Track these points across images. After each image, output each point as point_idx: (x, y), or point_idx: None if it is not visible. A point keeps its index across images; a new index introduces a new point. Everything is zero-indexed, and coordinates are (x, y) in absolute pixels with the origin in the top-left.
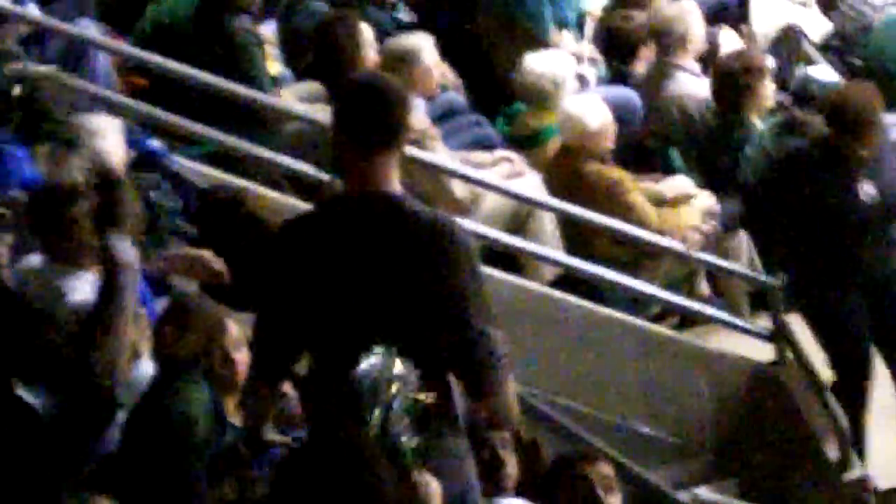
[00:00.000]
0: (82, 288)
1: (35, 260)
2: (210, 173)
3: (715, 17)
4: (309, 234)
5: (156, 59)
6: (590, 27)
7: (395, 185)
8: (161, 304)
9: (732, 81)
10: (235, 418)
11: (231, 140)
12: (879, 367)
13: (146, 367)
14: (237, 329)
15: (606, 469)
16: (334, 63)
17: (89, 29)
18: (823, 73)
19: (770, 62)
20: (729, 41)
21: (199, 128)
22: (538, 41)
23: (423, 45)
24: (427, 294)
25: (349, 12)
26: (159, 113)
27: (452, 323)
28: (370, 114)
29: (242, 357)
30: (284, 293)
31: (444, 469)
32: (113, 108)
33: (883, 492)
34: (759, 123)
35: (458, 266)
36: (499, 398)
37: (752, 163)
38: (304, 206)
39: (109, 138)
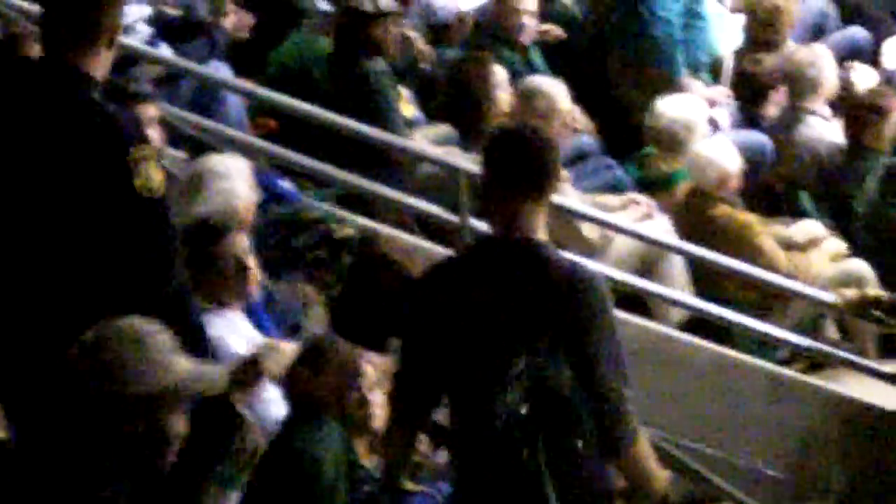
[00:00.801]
0: (221, 324)
1: None
2: (341, 215)
3: (847, 59)
4: (450, 279)
5: (288, 101)
6: (726, 70)
7: (541, 233)
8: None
9: (859, 116)
10: (367, 461)
11: (362, 182)
12: None
13: (279, 409)
14: (372, 371)
15: None
16: (467, 105)
17: (220, 70)
18: None
19: None
20: (865, 79)
21: (330, 169)
22: (670, 85)
23: (555, 88)
24: (554, 342)
25: (482, 54)
26: (291, 154)
27: (582, 376)
28: (519, 161)
29: (378, 399)
30: (424, 338)
31: None
32: (244, 150)
33: None
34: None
35: (594, 319)
36: (630, 460)
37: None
38: (434, 248)
39: (237, 180)
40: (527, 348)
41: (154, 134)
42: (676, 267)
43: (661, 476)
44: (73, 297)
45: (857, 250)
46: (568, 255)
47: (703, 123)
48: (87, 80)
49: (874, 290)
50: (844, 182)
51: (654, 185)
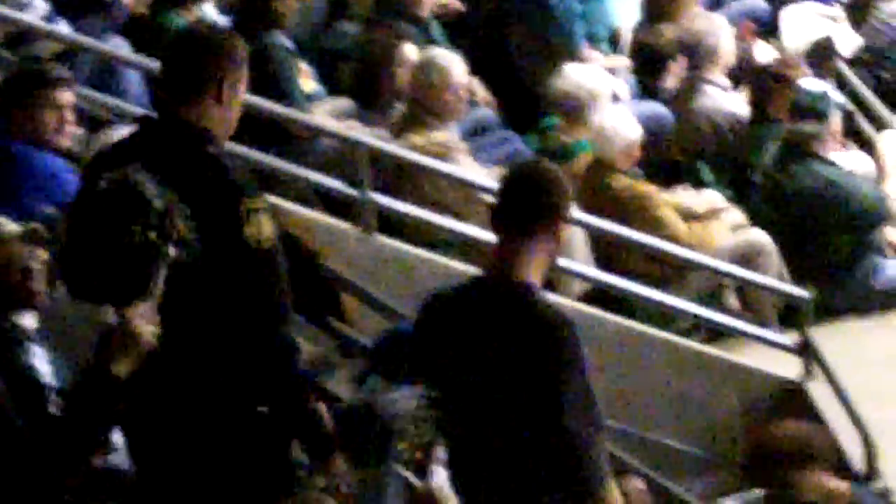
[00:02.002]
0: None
1: None
2: None
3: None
4: (439, 313)
5: None
6: (625, 41)
7: (531, 273)
8: None
9: (765, 86)
10: None
11: (262, 157)
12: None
13: None
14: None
15: (638, 484)
16: (369, 79)
17: (119, 46)
18: (813, 84)
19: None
20: (765, 51)
21: (231, 145)
22: (569, 56)
23: (450, 60)
24: (523, 386)
25: (388, 31)
26: None
27: (544, 419)
28: (519, 200)
29: None
30: (417, 367)
31: None
32: None
33: None
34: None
35: (563, 363)
36: None
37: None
38: (334, 222)
39: None
40: (502, 388)
41: (71, 120)
42: (577, 239)
43: None
44: (182, 346)
45: (756, 220)
46: (550, 299)
47: (605, 92)
48: (200, 134)
49: None
50: (744, 152)
51: (554, 156)
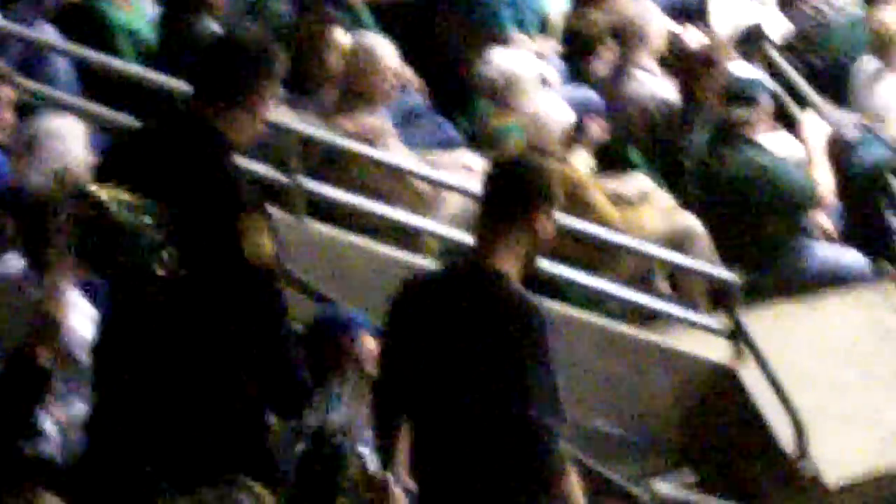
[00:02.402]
0: None
1: (13, 265)
2: None
3: (674, 16)
4: (415, 298)
5: (118, 63)
6: (555, 26)
7: (505, 262)
8: None
9: (692, 70)
10: None
11: None
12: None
13: None
14: None
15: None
16: (299, 66)
17: (48, 33)
18: (744, 69)
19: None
20: (696, 37)
21: None
22: (498, 41)
23: (381, 45)
24: (491, 374)
25: (318, 16)
26: (122, 117)
27: (510, 409)
28: (500, 188)
29: None
30: (390, 352)
31: None
32: (74, 113)
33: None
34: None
35: (526, 352)
36: (557, 496)
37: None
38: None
39: (71, 141)
40: (470, 376)
41: (8, 115)
42: None
43: None
44: (184, 357)
45: (687, 204)
46: (520, 287)
47: (533, 76)
48: (219, 140)
49: None
50: (674, 136)
51: (485, 141)
